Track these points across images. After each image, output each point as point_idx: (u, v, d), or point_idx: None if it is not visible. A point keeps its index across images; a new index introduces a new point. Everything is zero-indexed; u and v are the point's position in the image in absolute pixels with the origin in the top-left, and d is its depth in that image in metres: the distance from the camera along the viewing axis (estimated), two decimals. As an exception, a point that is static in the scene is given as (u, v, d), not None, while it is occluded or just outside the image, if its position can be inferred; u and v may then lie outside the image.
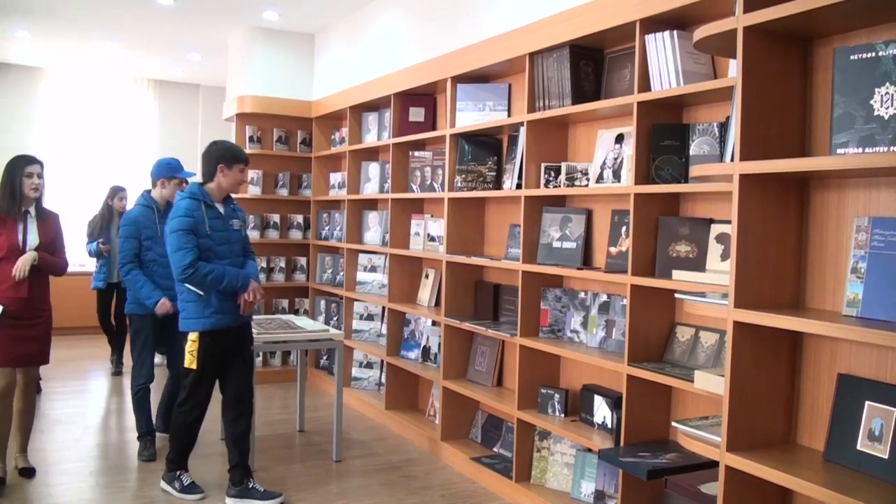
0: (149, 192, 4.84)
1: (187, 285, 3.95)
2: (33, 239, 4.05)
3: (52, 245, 4.13)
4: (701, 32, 2.56)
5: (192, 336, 3.97)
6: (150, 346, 4.77)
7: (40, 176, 4.09)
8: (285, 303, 7.44)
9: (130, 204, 5.61)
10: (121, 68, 9.81)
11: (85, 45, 8.50)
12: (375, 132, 6.31)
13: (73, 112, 10.00)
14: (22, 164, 4.05)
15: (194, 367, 3.99)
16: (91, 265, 7.54)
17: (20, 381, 4.16)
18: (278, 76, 7.44)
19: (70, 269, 4.44)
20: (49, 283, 4.26)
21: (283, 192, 7.42)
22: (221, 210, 4.10)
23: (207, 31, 7.63)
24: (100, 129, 10.13)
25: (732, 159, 2.42)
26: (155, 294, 4.59)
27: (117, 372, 7.29)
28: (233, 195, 4.25)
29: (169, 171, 4.82)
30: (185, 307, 4.01)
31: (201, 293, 3.96)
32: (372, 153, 6.50)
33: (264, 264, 7.26)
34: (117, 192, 7.17)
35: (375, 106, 6.33)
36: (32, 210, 4.11)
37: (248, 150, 7.34)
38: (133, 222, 4.67)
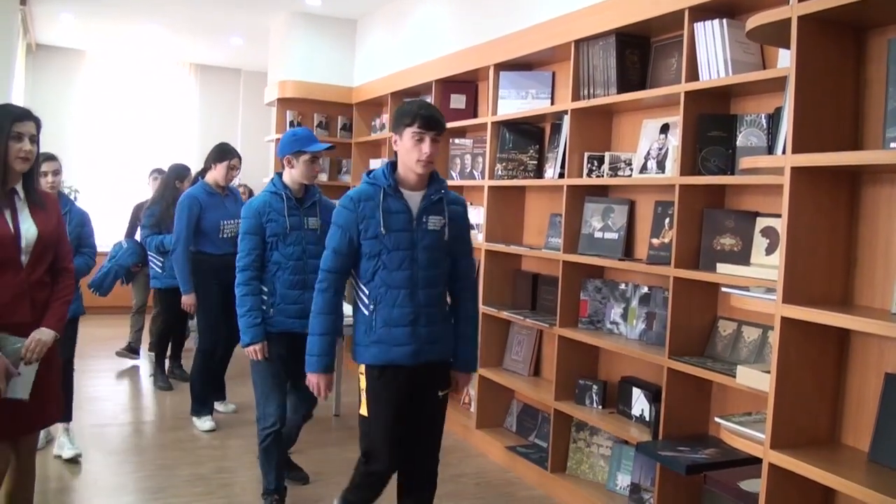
0: (280, 174, 3.76)
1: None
2: (29, 228, 2.71)
3: (54, 238, 2.82)
4: (754, 21, 2.50)
5: (360, 369, 2.95)
6: (278, 376, 3.67)
7: (34, 140, 2.69)
8: (323, 287, 7.42)
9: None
10: (163, 52, 9.90)
11: (128, 28, 8.57)
12: (416, 119, 6.29)
13: (115, 95, 10.07)
14: (9, 120, 2.63)
15: (364, 412, 2.94)
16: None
17: (14, 461, 2.79)
18: (320, 62, 7.47)
19: (101, 249, 3.80)
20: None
21: (323, 178, 7.42)
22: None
23: (250, 16, 7.67)
24: (141, 113, 10.20)
25: (784, 152, 2.37)
26: (252, 332, 3.55)
27: (167, 387, 6.03)
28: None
29: (296, 144, 3.64)
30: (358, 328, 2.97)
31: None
32: (412, 140, 6.48)
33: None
34: (186, 173, 5.98)
35: (416, 92, 6.32)
36: (20, 189, 2.74)
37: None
38: (255, 214, 3.60)
